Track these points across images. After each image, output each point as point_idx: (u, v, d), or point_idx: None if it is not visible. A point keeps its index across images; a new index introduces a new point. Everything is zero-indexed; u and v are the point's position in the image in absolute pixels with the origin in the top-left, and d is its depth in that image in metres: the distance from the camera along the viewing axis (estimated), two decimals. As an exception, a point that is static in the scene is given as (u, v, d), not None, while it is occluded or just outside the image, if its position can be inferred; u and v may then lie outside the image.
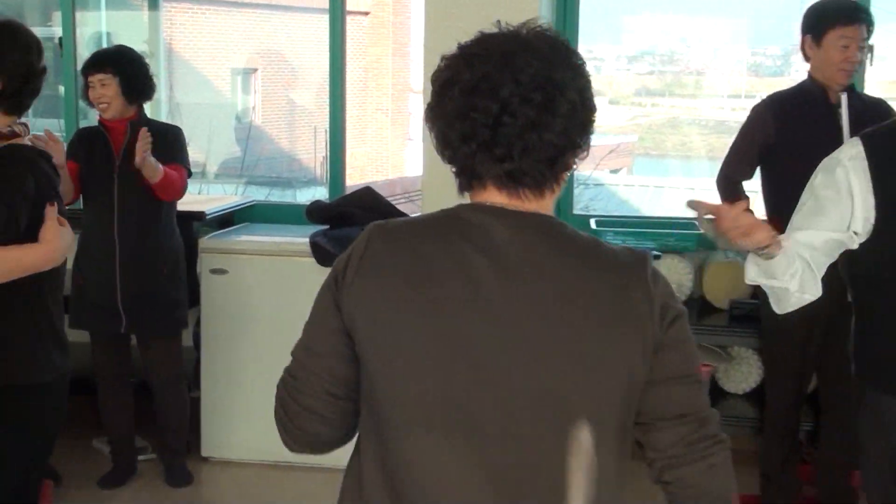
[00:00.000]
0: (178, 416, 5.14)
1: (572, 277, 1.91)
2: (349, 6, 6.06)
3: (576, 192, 5.89)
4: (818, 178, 2.96)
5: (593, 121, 2.01)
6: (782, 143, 4.54)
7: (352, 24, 5.64)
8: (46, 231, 2.88)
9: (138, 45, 6.20)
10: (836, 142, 4.32)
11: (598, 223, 5.69)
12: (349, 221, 5.35)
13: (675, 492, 1.96)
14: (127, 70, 4.70)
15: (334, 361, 1.97)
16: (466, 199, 2.02)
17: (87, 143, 4.76)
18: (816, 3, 4.63)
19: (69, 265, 3.53)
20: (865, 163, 2.64)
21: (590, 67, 2.09)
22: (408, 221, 2.05)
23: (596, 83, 2.38)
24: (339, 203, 5.60)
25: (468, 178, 1.98)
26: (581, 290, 1.90)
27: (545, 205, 1.99)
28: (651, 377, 1.89)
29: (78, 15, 6.25)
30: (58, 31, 6.17)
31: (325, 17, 5.88)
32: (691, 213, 5.58)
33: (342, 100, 5.92)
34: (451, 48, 5.48)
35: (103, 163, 4.69)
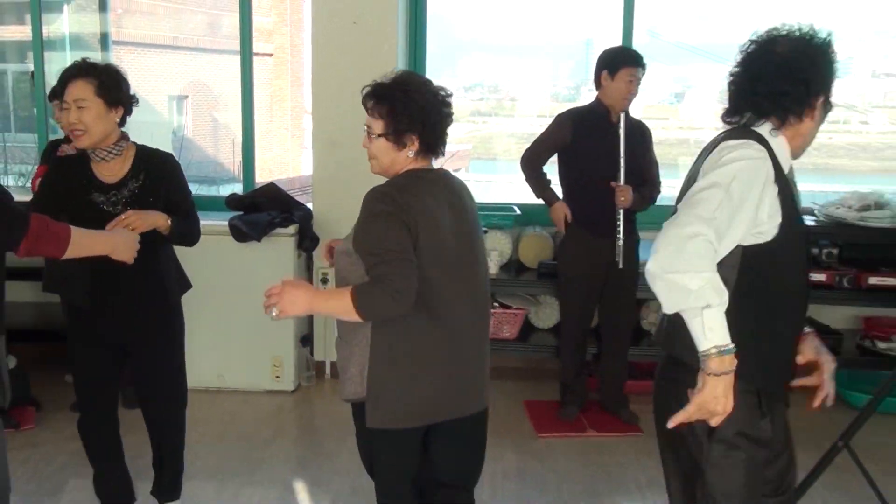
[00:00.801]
0: None
1: (470, 201, 2.82)
2: (256, 49, 6.02)
3: (426, 185, 5.89)
4: (735, 183, 2.19)
5: None
6: (575, 145, 4.65)
7: (259, 63, 5.63)
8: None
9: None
10: (614, 149, 4.51)
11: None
12: (258, 209, 5.32)
13: None
14: None
15: (412, 254, 2.53)
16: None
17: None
18: (612, 48, 4.79)
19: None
20: (769, 162, 2.24)
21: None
22: (405, 182, 2.67)
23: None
24: (250, 195, 5.56)
25: (433, 152, 2.74)
26: (472, 207, 2.82)
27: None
28: None
29: (46, 54, 6.07)
30: (31, 66, 6.00)
31: (238, 58, 5.84)
32: (510, 200, 5.68)
33: (252, 119, 5.88)
34: (332, 79, 5.48)
35: None
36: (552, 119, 4.87)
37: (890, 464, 4.24)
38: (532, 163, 4.82)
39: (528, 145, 4.89)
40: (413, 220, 2.55)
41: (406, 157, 2.68)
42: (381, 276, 2.49)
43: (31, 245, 2.63)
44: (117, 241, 2.96)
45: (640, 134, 4.71)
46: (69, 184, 3.20)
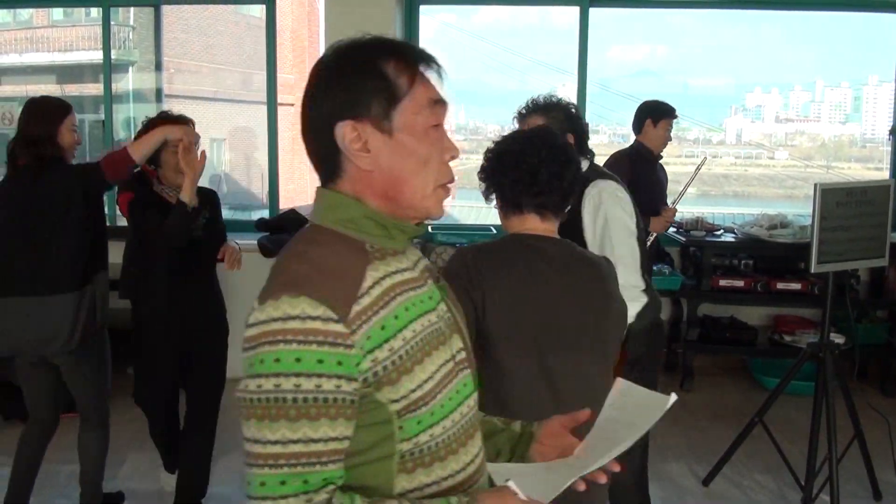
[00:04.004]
0: None
1: (582, 271, 1.87)
2: (281, 101, 6.00)
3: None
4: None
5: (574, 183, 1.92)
6: (635, 179, 4.59)
7: (284, 112, 5.64)
8: None
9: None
10: (657, 179, 4.62)
11: (433, 227, 5.73)
12: (282, 230, 5.30)
13: None
14: None
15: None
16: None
17: None
18: (653, 101, 4.73)
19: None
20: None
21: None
22: (494, 245, 1.91)
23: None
24: (275, 219, 5.54)
25: (512, 208, 1.90)
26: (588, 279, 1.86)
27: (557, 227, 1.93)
28: None
29: (115, 106, 6.04)
30: (102, 116, 5.96)
31: (265, 107, 5.79)
32: (489, 222, 5.59)
33: (276, 157, 5.85)
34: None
35: None
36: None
37: (795, 434, 4.22)
38: None
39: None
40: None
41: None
42: None
43: (111, 171, 2.95)
44: (167, 127, 3.08)
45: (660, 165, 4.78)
46: (163, 211, 3.11)
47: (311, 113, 1.20)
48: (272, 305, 1.10)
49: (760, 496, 3.71)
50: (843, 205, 3.39)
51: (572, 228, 2.38)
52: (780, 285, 5.11)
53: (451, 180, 1.23)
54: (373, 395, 1.12)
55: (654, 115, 4.62)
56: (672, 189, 4.81)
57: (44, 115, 3.06)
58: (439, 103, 1.21)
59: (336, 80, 1.17)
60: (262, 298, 1.13)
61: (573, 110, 2.69)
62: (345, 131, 1.16)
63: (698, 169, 4.39)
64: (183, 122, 3.18)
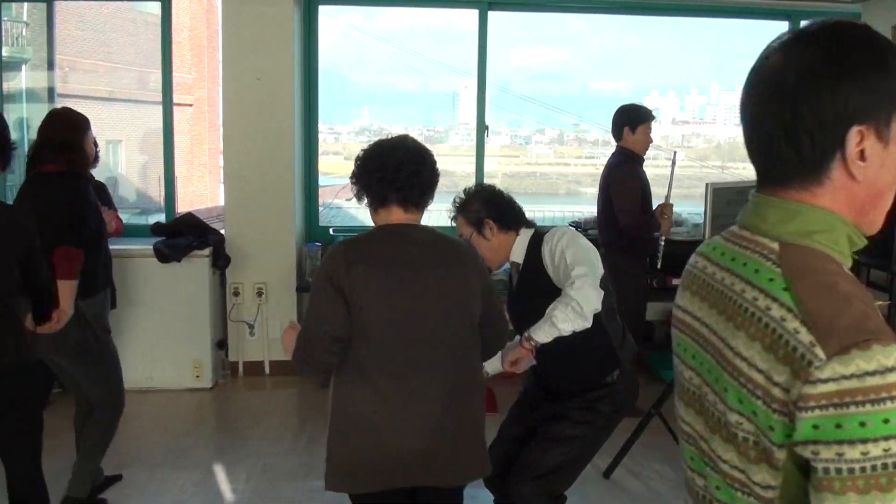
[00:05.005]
0: None
1: (446, 249, 2.18)
2: (179, 101, 5.86)
3: (321, 211, 5.86)
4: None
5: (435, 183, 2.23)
6: (643, 184, 4.63)
7: (181, 112, 5.46)
8: None
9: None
10: (647, 179, 4.65)
11: (334, 230, 5.69)
12: (178, 235, 5.16)
13: None
14: None
15: (338, 322, 2.05)
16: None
17: None
18: (628, 106, 4.66)
19: None
20: None
21: (331, 138, 2.25)
22: (364, 236, 2.16)
23: (336, 147, 2.50)
24: (172, 223, 5.37)
25: (379, 203, 2.17)
26: (452, 259, 2.17)
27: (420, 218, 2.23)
28: None
29: (7, 106, 5.77)
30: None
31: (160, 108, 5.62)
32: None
33: (172, 158, 5.63)
34: (240, 126, 5.32)
35: None
36: (611, 179, 4.67)
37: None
38: (637, 219, 4.57)
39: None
40: (350, 289, 2.05)
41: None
42: (301, 347, 2.13)
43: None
44: None
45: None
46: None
47: (816, 104, 1.03)
48: (861, 356, 0.95)
49: (659, 485, 3.83)
50: (734, 203, 3.54)
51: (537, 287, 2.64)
52: (676, 281, 5.25)
53: None
54: None
55: (631, 122, 4.56)
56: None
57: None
58: None
59: (860, 74, 1.02)
60: (837, 348, 0.97)
61: (488, 196, 2.76)
62: (856, 137, 1.03)
63: (674, 164, 4.50)
64: None
